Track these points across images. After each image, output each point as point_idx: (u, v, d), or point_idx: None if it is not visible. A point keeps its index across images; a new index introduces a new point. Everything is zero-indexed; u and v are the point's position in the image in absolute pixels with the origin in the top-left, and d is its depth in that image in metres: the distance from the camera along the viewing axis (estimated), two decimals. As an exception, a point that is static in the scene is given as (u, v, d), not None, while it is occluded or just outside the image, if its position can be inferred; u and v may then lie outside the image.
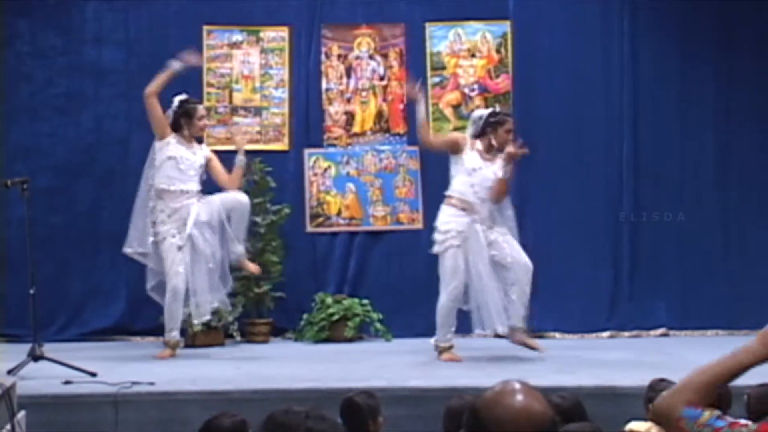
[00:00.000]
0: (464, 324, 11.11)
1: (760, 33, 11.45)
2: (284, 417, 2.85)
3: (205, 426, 4.95)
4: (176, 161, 9.55)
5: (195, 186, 9.59)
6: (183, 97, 9.86)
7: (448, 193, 9.32)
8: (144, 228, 9.64)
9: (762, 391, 6.10)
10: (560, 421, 2.89)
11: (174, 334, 9.68)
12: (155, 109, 9.62)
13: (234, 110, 11.18)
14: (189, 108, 9.69)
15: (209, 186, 9.80)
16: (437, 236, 9.27)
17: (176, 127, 9.66)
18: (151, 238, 9.57)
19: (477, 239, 9.12)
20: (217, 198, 9.66)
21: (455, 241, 9.11)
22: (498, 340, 10.58)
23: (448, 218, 9.24)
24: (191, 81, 11.28)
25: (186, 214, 9.48)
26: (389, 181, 11.48)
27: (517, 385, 2.74)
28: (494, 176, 9.19)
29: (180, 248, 9.44)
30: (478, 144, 9.29)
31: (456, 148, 9.33)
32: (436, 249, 9.29)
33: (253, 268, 9.88)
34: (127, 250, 9.78)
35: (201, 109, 9.82)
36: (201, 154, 9.73)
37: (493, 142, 9.26)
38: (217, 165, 9.82)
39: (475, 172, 9.20)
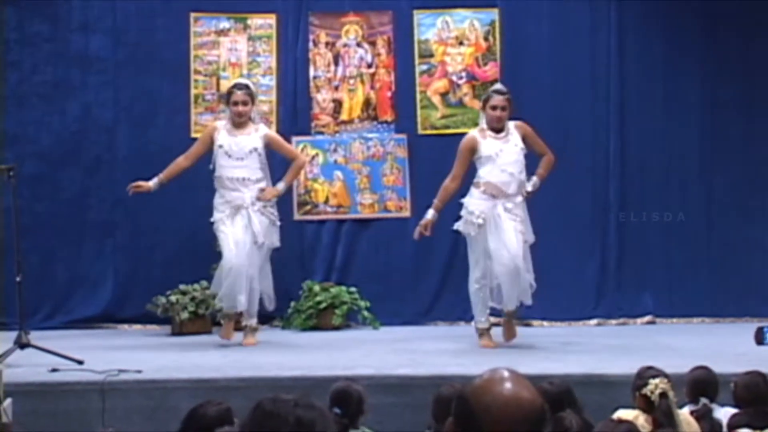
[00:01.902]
0: (452, 312, 11.15)
1: (745, 26, 11.45)
2: (272, 405, 2.83)
3: (190, 414, 4.96)
4: (223, 149, 9.51)
5: (247, 173, 9.51)
6: (235, 80, 10.18)
7: (475, 179, 9.34)
8: None
9: (749, 379, 6.12)
10: (548, 408, 2.88)
11: (250, 321, 9.73)
12: (195, 157, 9.68)
13: (221, 98, 11.12)
14: (228, 92, 9.76)
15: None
16: (463, 213, 9.33)
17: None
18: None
19: (498, 223, 9.15)
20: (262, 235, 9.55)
21: (480, 221, 9.18)
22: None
23: (474, 200, 9.28)
24: (179, 68, 11.29)
25: (240, 202, 9.44)
26: (377, 168, 11.47)
27: (506, 373, 2.73)
28: (516, 148, 9.28)
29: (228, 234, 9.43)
30: (488, 130, 9.38)
31: (474, 152, 9.34)
32: (456, 225, 9.39)
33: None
34: None
35: (238, 94, 9.59)
36: (255, 137, 9.60)
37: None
38: (279, 145, 9.85)
39: (499, 156, 9.25)
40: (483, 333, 9.42)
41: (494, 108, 9.33)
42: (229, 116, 9.71)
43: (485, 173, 9.25)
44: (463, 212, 9.34)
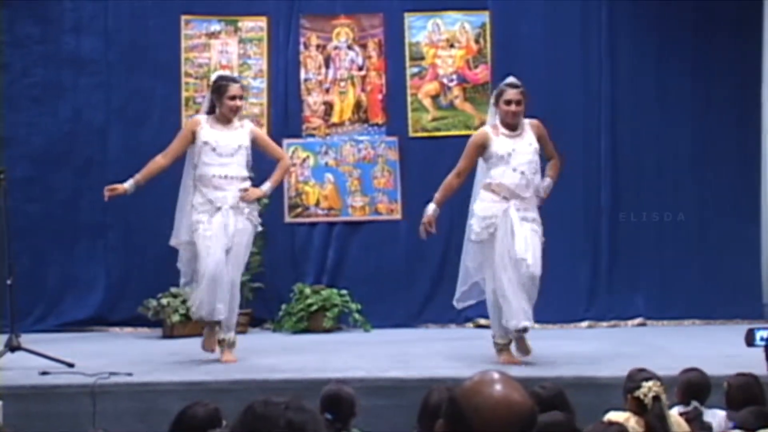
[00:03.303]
0: (443, 314, 11.14)
1: (736, 25, 11.47)
2: (264, 408, 2.83)
3: (179, 415, 4.97)
4: (209, 145, 8.64)
5: (233, 170, 8.69)
6: (220, 72, 9.42)
7: (486, 180, 8.53)
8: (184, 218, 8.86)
9: (742, 381, 6.11)
10: (539, 411, 2.88)
11: (228, 335, 8.74)
12: (175, 154, 8.79)
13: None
14: (220, 85, 8.74)
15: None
16: (475, 222, 8.52)
17: (212, 107, 8.79)
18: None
19: (511, 228, 8.38)
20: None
21: (492, 229, 8.41)
22: (478, 330, 10.61)
23: (487, 204, 8.49)
24: (170, 70, 11.29)
25: (222, 202, 8.63)
26: (368, 171, 11.47)
27: (496, 375, 2.74)
28: (530, 147, 8.51)
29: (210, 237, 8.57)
30: (501, 127, 8.56)
31: (483, 149, 8.54)
32: (474, 237, 8.55)
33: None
34: (173, 242, 8.96)
35: (234, 88, 8.73)
36: (242, 133, 8.77)
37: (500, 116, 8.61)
38: (264, 143, 9.05)
39: (511, 156, 8.44)
40: (503, 348, 8.59)
41: (509, 102, 8.50)
42: (207, 109, 8.86)
43: (497, 174, 8.45)
44: (473, 219, 8.58)
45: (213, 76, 9.17)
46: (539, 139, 8.65)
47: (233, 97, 8.68)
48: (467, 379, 2.76)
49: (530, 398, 2.72)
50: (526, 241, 8.40)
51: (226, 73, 9.77)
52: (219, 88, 8.73)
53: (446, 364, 8.44)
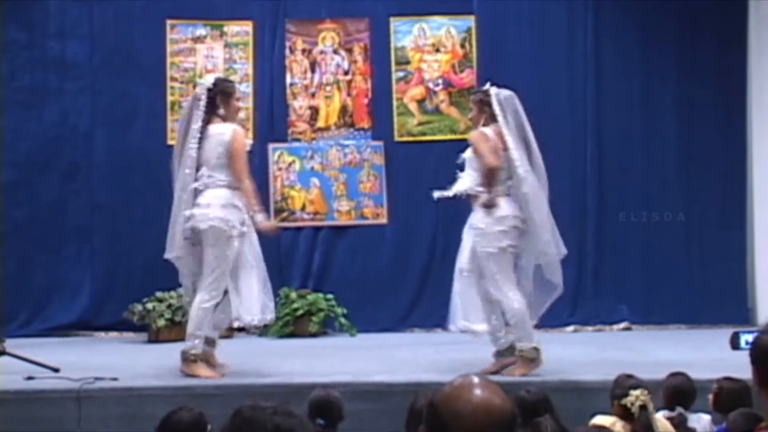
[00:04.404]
0: (429, 319, 11.14)
1: (720, 28, 11.51)
2: (252, 412, 2.84)
3: (164, 420, 4.97)
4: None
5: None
6: (217, 75, 8.85)
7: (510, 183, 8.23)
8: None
9: (735, 387, 6.08)
10: (520, 414, 2.88)
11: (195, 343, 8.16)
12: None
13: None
14: (227, 86, 8.28)
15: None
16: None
17: (212, 108, 8.19)
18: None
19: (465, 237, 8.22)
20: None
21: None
22: (464, 335, 10.60)
23: (506, 211, 8.14)
24: (155, 74, 11.28)
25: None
26: (354, 175, 11.48)
27: (476, 379, 2.73)
28: (470, 155, 8.20)
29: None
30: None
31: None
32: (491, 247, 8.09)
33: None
34: (169, 255, 8.23)
35: (237, 89, 8.50)
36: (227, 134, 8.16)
37: None
38: (238, 146, 8.20)
39: (465, 162, 8.26)
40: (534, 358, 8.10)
41: (471, 109, 8.44)
42: (204, 114, 8.13)
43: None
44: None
45: (210, 79, 8.46)
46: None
47: (238, 99, 8.41)
48: (446, 384, 2.75)
49: (510, 402, 2.72)
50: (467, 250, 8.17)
51: (222, 75, 9.51)
52: (225, 89, 8.27)
53: (432, 369, 8.43)
